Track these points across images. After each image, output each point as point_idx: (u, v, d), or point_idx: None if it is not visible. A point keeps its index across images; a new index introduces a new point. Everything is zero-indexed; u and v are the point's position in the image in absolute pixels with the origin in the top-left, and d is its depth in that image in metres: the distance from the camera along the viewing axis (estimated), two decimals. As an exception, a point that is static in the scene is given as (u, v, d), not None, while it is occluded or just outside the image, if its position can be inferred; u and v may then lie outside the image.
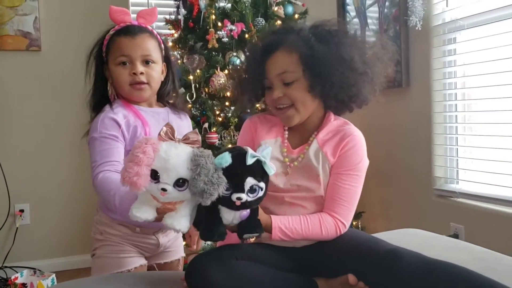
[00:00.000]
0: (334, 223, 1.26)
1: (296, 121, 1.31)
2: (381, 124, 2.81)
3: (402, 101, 2.65)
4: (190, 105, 2.56)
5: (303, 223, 1.24)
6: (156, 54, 1.55)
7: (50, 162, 3.15)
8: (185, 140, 1.08)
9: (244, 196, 1.07)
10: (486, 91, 2.30)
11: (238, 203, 1.07)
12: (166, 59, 1.62)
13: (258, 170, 1.09)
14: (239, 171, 1.07)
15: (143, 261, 1.58)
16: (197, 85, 2.56)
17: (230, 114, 2.54)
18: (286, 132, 1.36)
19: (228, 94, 2.52)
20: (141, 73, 1.50)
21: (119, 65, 1.51)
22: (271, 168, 1.11)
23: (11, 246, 3.03)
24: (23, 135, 3.10)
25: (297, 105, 1.28)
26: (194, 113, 2.56)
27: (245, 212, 1.12)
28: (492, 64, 2.23)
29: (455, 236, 2.29)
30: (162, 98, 1.65)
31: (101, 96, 1.56)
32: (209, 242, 2.36)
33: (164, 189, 1.03)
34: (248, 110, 1.78)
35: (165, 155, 1.03)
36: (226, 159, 1.06)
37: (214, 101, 2.56)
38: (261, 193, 1.10)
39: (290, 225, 1.23)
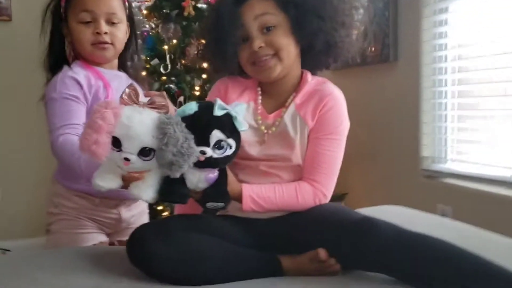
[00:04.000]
0: (313, 191, 1.16)
1: (277, 73, 1.18)
2: (366, 101, 2.70)
3: (389, 76, 2.54)
4: (164, 78, 2.42)
5: (278, 191, 1.14)
6: (121, 13, 1.45)
7: (19, 139, 3.01)
8: (151, 104, 0.98)
9: (209, 151, 0.97)
10: (479, 63, 2.17)
11: (201, 158, 0.97)
12: (130, 19, 1.51)
13: (228, 125, 1.00)
14: (205, 121, 0.98)
15: (103, 238, 1.47)
16: (172, 55, 2.42)
17: (207, 87, 2.40)
18: (260, 97, 1.24)
19: (205, 65, 2.37)
20: (105, 32, 1.40)
21: (81, 23, 1.40)
22: (243, 124, 1.01)
23: (-22, 225, 2.90)
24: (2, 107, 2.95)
25: (281, 53, 1.16)
26: (169, 86, 2.42)
27: (212, 175, 1.01)
28: (486, 35, 2.10)
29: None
30: (123, 63, 1.54)
31: (58, 56, 1.46)
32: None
33: (127, 159, 0.95)
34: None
35: (127, 121, 0.93)
36: (191, 106, 0.99)
37: (190, 74, 2.42)
38: (229, 151, 1.00)
39: (263, 194, 1.13)
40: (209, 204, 1.02)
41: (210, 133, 0.97)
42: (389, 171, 2.64)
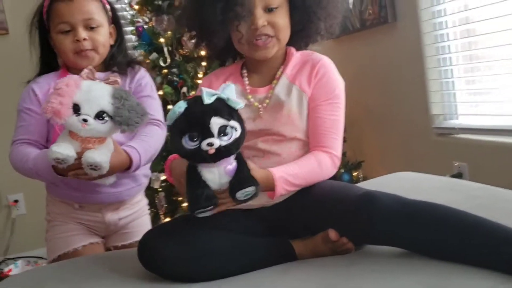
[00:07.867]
0: (330, 158, 1.16)
1: (273, 53, 1.21)
2: (369, 67, 2.63)
3: (390, 38, 2.47)
4: (165, 71, 2.41)
5: (301, 166, 1.13)
6: (99, 17, 1.42)
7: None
8: (106, 80, 1.17)
9: (216, 141, 0.93)
10: (482, 13, 2.07)
11: (211, 150, 0.93)
12: (115, 20, 1.49)
13: (223, 108, 0.96)
14: (199, 114, 0.94)
15: (94, 239, 1.48)
16: (170, 47, 2.40)
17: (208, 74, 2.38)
18: (246, 78, 1.25)
19: (203, 53, 2.35)
20: (85, 39, 1.38)
21: (60, 33, 1.39)
22: (237, 102, 0.97)
23: (9, 237, 2.97)
24: (4, 122, 2.98)
25: (280, 35, 1.18)
26: (170, 78, 2.41)
27: (230, 166, 0.98)
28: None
29: (459, 175, 2.15)
30: (109, 65, 1.48)
31: (50, 68, 1.46)
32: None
33: (85, 120, 1.09)
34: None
35: (87, 88, 1.11)
36: (179, 105, 0.95)
37: (190, 63, 2.41)
38: (236, 134, 0.96)
39: (291, 171, 1.11)
40: (239, 194, 0.97)
41: (209, 123, 0.93)
42: (402, 134, 2.60)
